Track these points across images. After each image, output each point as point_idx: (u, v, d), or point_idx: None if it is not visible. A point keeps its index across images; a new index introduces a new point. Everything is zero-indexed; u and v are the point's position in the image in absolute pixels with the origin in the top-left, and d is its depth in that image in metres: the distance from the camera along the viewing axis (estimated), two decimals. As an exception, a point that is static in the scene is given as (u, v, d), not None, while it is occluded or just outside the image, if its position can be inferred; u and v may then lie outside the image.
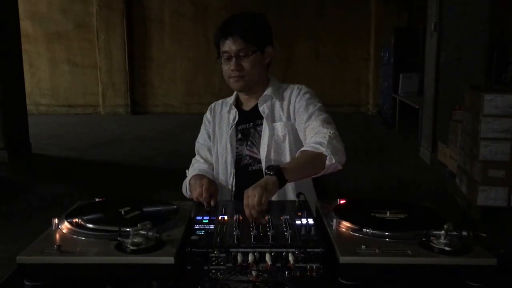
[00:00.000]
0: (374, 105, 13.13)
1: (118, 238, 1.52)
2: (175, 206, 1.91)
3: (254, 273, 1.50)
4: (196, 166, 2.54)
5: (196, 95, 13.04)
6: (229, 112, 2.56)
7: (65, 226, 1.68)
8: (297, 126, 2.42)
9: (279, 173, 1.95)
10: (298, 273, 1.52)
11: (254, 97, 2.52)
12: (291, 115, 2.45)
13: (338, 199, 1.97)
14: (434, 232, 1.55)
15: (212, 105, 2.68)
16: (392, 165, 7.82)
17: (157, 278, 1.49)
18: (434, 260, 1.48)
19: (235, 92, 2.59)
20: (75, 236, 1.63)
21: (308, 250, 1.52)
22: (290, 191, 2.35)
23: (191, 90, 13.28)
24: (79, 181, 7.00)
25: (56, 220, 1.70)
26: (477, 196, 5.23)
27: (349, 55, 13.26)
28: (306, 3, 13.03)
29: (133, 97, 13.52)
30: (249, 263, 1.50)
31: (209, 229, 1.67)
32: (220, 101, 2.68)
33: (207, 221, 1.76)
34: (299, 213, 1.79)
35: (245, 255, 1.52)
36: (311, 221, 1.72)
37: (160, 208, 1.94)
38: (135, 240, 1.51)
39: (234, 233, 1.60)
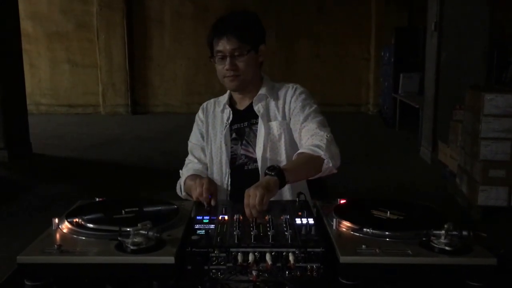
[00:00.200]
0: (374, 105, 13.13)
1: (119, 238, 1.52)
2: (175, 206, 1.91)
3: (254, 273, 1.50)
4: (190, 167, 2.54)
5: (196, 95, 13.02)
6: (222, 111, 2.55)
7: (66, 226, 1.68)
8: (292, 126, 2.43)
9: (280, 174, 1.96)
10: (298, 273, 1.52)
11: (248, 96, 2.52)
12: (286, 114, 2.46)
13: (339, 199, 1.97)
14: (435, 232, 1.55)
15: (204, 104, 2.66)
16: (393, 165, 7.82)
17: (157, 278, 1.49)
18: (434, 260, 1.48)
19: (228, 91, 2.58)
20: (75, 236, 1.63)
21: (308, 250, 1.52)
22: (286, 191, 2.35)
23: (191, 90, 13.28)
24: (80, 181, 7.00)
25: (57, 220, 1.70)
26: (478, 196, 5.23)
27: (349, 54, 13.26)
28: (307, 3, 13.04)
29: (134, 97, 13.53)
30: (250, 263, 1.50)
31: (209, 229, 1.67)
32: (212, 100, 2.66)
33: (208, 221, 1.76)
34: (300, 213, 1.79)
35: (246, 255, 1.51)
36: (311, 221, 1.72)
37: (160, 208, 1.94)
38: (136, 240, 1.51)
39: (235, 233, 1.60)
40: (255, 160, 2.45)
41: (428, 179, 6.94)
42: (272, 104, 2.49)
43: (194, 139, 2.62)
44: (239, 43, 2.32)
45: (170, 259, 1.46)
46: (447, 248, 1.50)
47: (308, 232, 1.63)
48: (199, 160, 2.56)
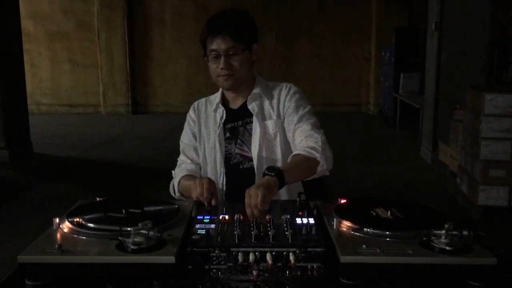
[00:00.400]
0: (375, 104, 13.13)
1: (119, 238, 1.52)
2: (176, 206, 1.91)
3: (255, 272, 1.50)
4: (184, 167, 2.53)
5: (197, 94, 12.90)
6: (215, 111, 2.54)
7: (66, 226, 1.68)
8: (286, 126, 2.45)
9: (280, 175, 1.96)
10: (299, 273, 1.52)
11: (241, 95, 2.51)
12: (281, 113, 2.47)
13: (339, 199, 1.97)
14: (435, 231, 1.55)
15: (195, 103, 2.65)
16: (393, 164, 7.82)
17: (158, 278, 1.49)
18: (434, 259, 1.48)
19: (220, 91, 2.57)
20: (76, 236, 1.63)
21: (309, 249, 1.52)
22: (283, 191, 2.34)
23: (192, 89, 13.27)
24: (80, 180, 7.01)
25: (57, 220, 1.70)
26: (478, 196, 5.23)
27: (349, 54, 13.26)
28: (307, 3, 13.04)
29: (134, 97, 13.53)
30: (250, 262, 1.50)
31: (210, 228, 1.67)
32: (203, 99, 2.65)
33: (208, 220, 1.76)
34: (300, 213, 1.79)
35: (246, 254, 1.51)
36: (311, 220, 1.72)
37: (161, 207, 1.94)
38: (136, 240, 1.51)
39: (235, 232, 1.60)
40: (251, 159, 2.45)
41: (429, 179, 6.94)
42: (266, 103, 2.49)
43: (186, 139, 2.61)
44: (234, 42, 2.32)
45: (171, 259, 1.46)
46: (447, 248, 1.50)
47: (308, 231, 1.63)
48: (192, 160, 2.56)
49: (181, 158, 2.60)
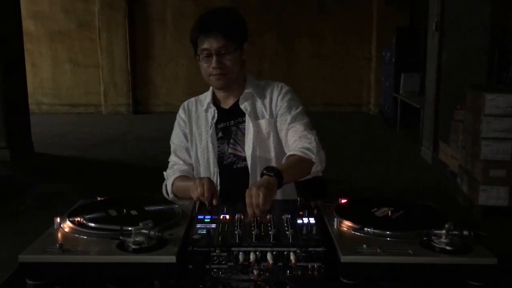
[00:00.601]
0: (375, 104, 13.11)
1: (120, 237, 1.53)
2: (177, 205, 1.92)
3: (255, 272, 1.51)
4: (176, 168, 2.52)
5: (197, 94, 12.95)
6: (206, 111, 2.53)
7: (67, 225, 1.69)
8: (279, 125, 2.45)
9: (279, 175, 1.97)
10: (299, 272, 1.52)
11: (233, 94, 2.51)
12: (274, 112, 2.47)
13: (340, 199, 1.97)
14: (435, 231, 1.55)
15: (185, 103, 2.64)
16: (393, 164, 7.82)
17: (158, 277, 1.50)
18: (435, 259, 1.48)
19: (210, 90, 2.57)
20: (77, 235, 1.64)
21: (309, 249, 1.52)
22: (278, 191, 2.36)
23: (193, 89, 13.16)
24: (81, 180, 7.01)
25: (58, 219, 1.70)
26: (478, 196, 5.23)
27: (350, 54, 13.24)
28: (308, 2, 13.02)
29: (135, 97, 13.52)
30: (251, 262, 1.50)
31: (210, 228, 1.67)
32: (193, 99, 2.64)
33: (209, 220, 1.76)
34: (301, 213, 1.80)
35: (247, 254, 1.52)
36: (312, 220, 1.72)
37: (161, 207, 1.95)
38: (137, 239, 1.51)
39: (236, 232, 1.60)
40: (244, 159, 2.45)
41: (429, 178, 6.94)
42: (258, 102, 2.49)
43: (176, 140, 2.60)
44: (226, 41, 2.30)
45: (172, 258, 1.47)
46: (447, 247, 1.51)
47: (309, 231, 1.63)
48: (184, 161, 2.55)
49: (173, 159, 2.59)
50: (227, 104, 2.53)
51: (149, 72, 13.52)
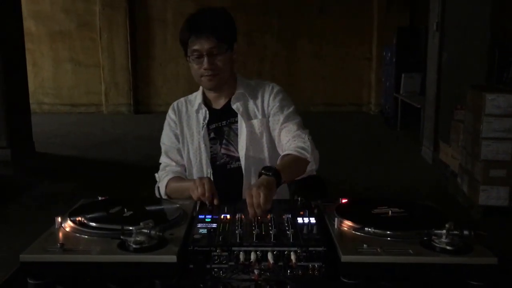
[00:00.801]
0: (376, 104, 13.11)
1: (121, 237, 1.53)
2: (178, 205, 1.92)
3: (256, 271, 1.51)
4: (169, 169, 2.50)
5: (198, 94, 12.97)
6: (197, 111, 2.52)
7: (68, 225, 1.69)
8: (271, 125, 2.46)
9: (277, 174, 1.98)
10: (300, 272, 1.52)
11: (224, 95, 2.50)
12: (266, 112, 2.47)
13: (340, 198, 1.97)
14: (436, 231, 1.55)
15: (175, 104, 2.62)
16: (394, 164, 7.82)
17: (159, 277, 1.50)
18: (435, 259, 1.49)
19: (200, 91, 2.56)
20: (78, 235, 1.64)
21: (310, 249, 1.53)
22: None
23: (193, 89, 12.96)
24: (82, 179, 7.01)
25: (59, 219, 1.70)
26: (479, 196, 5.23)
27: (351, 54, 13.24)
28: (308, 3, 13.02)
29: (136, 96, 13.51)
30: (251, 261, 1.51)
31: (211, 227, 1.67)
32: (182, 99, 2.63)
33: (210, 219, 1.77)
34: (301, 212, 1.80)
35: (247, 253, 1.52)
36: (313, 220, 1.73)
37: (162, 206, 1.95)
38: (138, 239, 1.51)
39: (237, 231, 1.60)
40: (238, 159, 2.45)
41: (429, 178, 6.94)
42: (250, 102, 2.49)
43: (167, 141, 2.58)
44: (217, 41, 2.30)
45: (172, 258, 1.47)
46: (448, 247, 1.51)
47: (309, 231, 1.63)
48: (177, 162, 2.53)
49: (165, 160, 2.57)
50: (219, 104, 2.52)
51: (150, 72, 13.52)
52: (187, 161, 2.53)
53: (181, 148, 2.54)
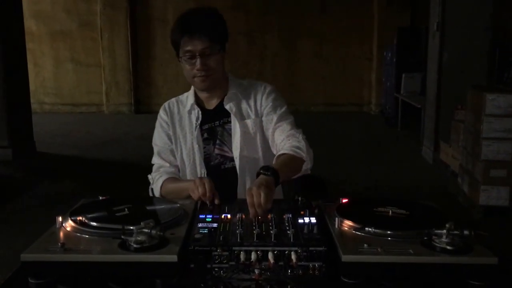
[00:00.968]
0: (376, 104, 13.12)
1: (122, 236, 1.53)
2: (178, 205, 1.92)
3: (256, 271, 1.51)
4: (163, 171, 2.49)
5: (199, 94, 12.97)
6: (190, 112, 2.51)
7: (69, 224, 1.69)
8: (265, 125, 2.46)
9: (276, 174, 1.98)
10: (300, 272, 1.52)
11: (216, 95, 2.49)
12: (259, 112, 2.47)
13: (341, 198, 1.98)
14: (436, 231, 1.55)
15: (166, 104, 2.61)
16: (394, 164, 7.82)
17: (160, 276, 1.50)
18: (436, 259, 1.49)
19: (191, 91, 2.55)
20: (78, 234, 1.64)
21: (310, 248, 1.53)
22: None
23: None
24: (83, 179, 7.01)
25: (60, 218, 1.70)
26: (479, 196, 5.23)
27: (351, 54, 13.25)
28: (309, 2, 13.02)
29: (137, 96, 13.53)
30: (252, 261, 1.51)
31: (212, 227, 1.67)
32: (173, 99, 2.61)
33: (210, 219, 1.77)
34: (302, 212, 1.80)
35: (248, 253, 1.52)
36: (313, 220, 1.73)
37: (163, 206, 1.95)
38: (139, 238, 1.51)
39: (237, 231, 1.60)
40: (232, 159, 2.45)
41: (430, 178, 6.94)
42: (243, 102, 2.49)
43: (160, 142, 2.56)
44: (210, 42, 2.29)
45: (173, 258, 1.47)
46: (448, 247, 1.51)
47: (310, 231, 1.63)
48: (170, 163, 2.52)
49: (158, 161, 2.55)
50: (211, 104, 2.52)
51: (150, 71, 13.53)
52: (181, 162, 2.52)
53: (174, 149, 2.53)
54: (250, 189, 1.84)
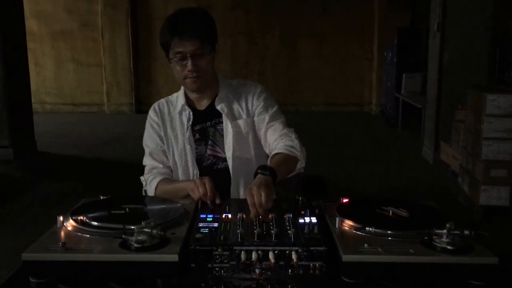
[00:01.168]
0: (377, 104, 13.11)
1: (123, 236, 1.53)
2: (179, 204, 1.92)
3: (257, 271, 1.51)
4: (156, 172, 2.48)
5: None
6: (180, 113, 2.49)
7: (70, 224, 1.70)
8: (257, 125, 2.46)
9: (273, 173, 2.00)
10: (301, 271, 1.53)
11: (206, 96, 2.49)
12: (250, 112, 2.47)
13: (341, 198, 1.98)
14: (436, 231, 1.56)
15: (156, 105, 2.58)
16: (395, 164, 7.82)
17: (161, 276, 1.50)
18: (436, 258, 1.49)
19: (181, 92, 2.53)
20: (79, 234, 1.64)
21: (311, 248, 1.53)
22: None
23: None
24: (84, 179, 7.01)
25: (61, 218, 1.71)
26: (479, 196, 5.23)
27: (352, 54, 13.24)
28: (310, 3, 13.02)
29: (138, 96, 13.52)
30: (253, 261, 1.51)
31: (213, 227, 1.68)
32: (163, 100, 2.59)
33: (211, 219, 1.77)
34: (303, 212, 1.80)
35: (249, 253, 1.52)
36: (314, 219, 1.73)
37: (164, 206, 1.95)
38: (140, 238, 1.52)
39: (238, 231, 1.60)
40: (224, 159, 2.45)
41: (430, 178, 6.94)
42: (234, 102, 2.49)
43: (151, 143, 2.54)
44: (201, 43, 2.28)
45: (174, 257, 1.48)
46: (449, 247, 1.51)
47: (311, 230, 1.64)
48: (164, 164, 2.51)
49: (150, 163, 2.54)
50: (202, 105, 2.51)
51: (151, 71, 13.52)
52: (173, 163, 2.51)
53: (167, 150, 2.52)
54: (250, 189, 1.84)
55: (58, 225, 1.69)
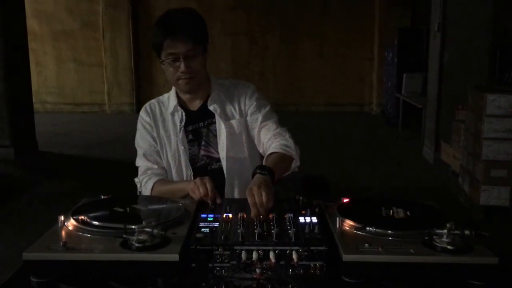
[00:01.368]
0: (377, 104, 13.12)
1: (124, 236, 1.53)
2: (180, 204, 1.92)
3: (258, 270, 1.51)
4: (151, 173, 2.46)
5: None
6: (173, 114, 2.47)
7: (71, 223, 1.70)
8: (250, 124, 2.46)
9: (271, 173, 2.00)
10: (301, 271, 1.53)
11: (199, 96, 2.48)
12: (243, 112, 2.47)
13: (342, 198, 1.98)
14: (437, 231, 1.56)
15: (147, 106, 2.56)
16: (395, 164, 7.82)
17: (162, 276, 1.50)
18: (436, 258, 1.49)
19: (173, 92, 2.51)
20: (80, 233, 1.64)
21: (311, 248, 1.53)
22: None
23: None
24: (85, 178, 7.01)
25: (62, 217, 1.71)
26: (480, 196, 5.23)
27: (353, 54, 13.25)
28: (310, 3, 13.02)
29: (139, 96, 13.52)
30: (253, 260, 1.51)
31: (213, 226, 1.68)
32: (154, 101, 2.57)
33: (212, 219, 1.77)
34: (303, 212, 1.81)
35: (249, 252, 1.52)
36: (314, 219, 1.73)
37: (165, 205, 1.95)
38: (140, 238, 1.52)
39: (239, 231, 1.61)
40: (218, 160, 2.45)
41: (431, 178, 6.94)
42: (227, 103, 2.48)
43: (144, 144, 2.52)
44: (193, 44, 2.27)
45: (175, 257, 1.48)
46: (449, 247, 1.51)
47: (311, 230, 1.64)
48: (158, 165, 2.49)
49: (144, 164, 2.51)
50: (194, 106, 2.50)
51: (152, 71, 13.51)
52: (166, 164, 2.49)
53: (160, 151, 2.50)
54: (250, 189, 1.84)
55: (59, 225, 1.69)
